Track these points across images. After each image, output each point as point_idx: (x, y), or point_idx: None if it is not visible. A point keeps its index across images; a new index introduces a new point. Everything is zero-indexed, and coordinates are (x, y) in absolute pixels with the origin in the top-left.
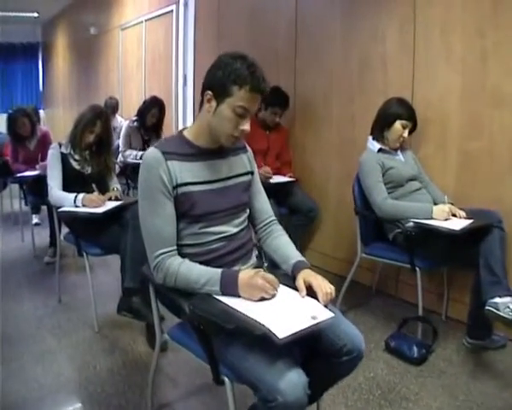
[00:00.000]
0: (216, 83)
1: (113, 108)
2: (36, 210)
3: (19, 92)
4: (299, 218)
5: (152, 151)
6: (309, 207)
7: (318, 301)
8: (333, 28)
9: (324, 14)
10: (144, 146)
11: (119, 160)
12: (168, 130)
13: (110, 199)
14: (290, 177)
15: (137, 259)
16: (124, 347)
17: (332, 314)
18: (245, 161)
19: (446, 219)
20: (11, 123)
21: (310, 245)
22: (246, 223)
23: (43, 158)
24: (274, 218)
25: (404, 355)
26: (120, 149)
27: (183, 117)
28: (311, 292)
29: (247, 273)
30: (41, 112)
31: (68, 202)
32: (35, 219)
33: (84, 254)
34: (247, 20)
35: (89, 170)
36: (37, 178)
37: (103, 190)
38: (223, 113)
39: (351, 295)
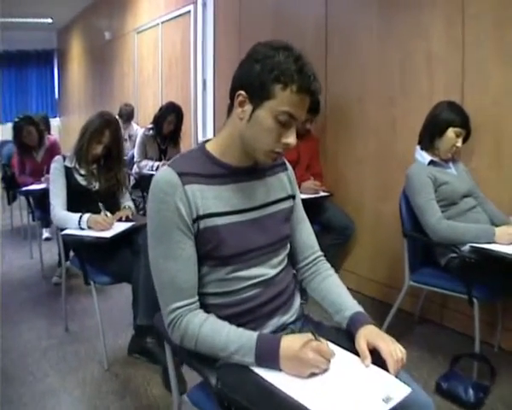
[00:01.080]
0: (252, 80)
1: (128, 115)
2: (46, 223)
3: (34, 100)
4: (333, 236)
5: (165, 173)
6: (344, 224)
7: (388, 371)
8: (368, 23)
9: (358, 9)
10: (161, 156)
11: (133, 171)
12: (186, 139)
13: (120, 219)
14: (324, 191)
15: (152, 292)
16: (136, 388)
17: (409, 390)
18: (285, 181)
19: (511, 244)
20: (16, 132)
21: (343, 265)
22: (286, 261)
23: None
24: (320, 253)
25: (459, 399)
26: (135, 159)
27: (202, 125)
28: (375, 358)
29: (292, 342)
30: (57, 120)
31: (72, 223)
32: (45, 234)
33: (92, 282)
34: (271, 19)
35: (96, 186)
36: (44, 191)
37: (113, 208)
38: (260, 120)
39: (390, 323)
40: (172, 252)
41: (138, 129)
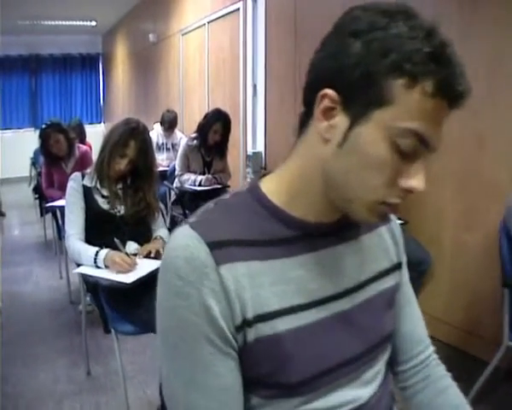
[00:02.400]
0: (348, 71)
1: (170, 122)
2: None
3: (78, 106)
4: None
5: (185, 241)
6: (419, 258)
7: None
8: (447, 18)
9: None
10: (205, 169)
11: (174, 185)
12: (234, 150)
13: (148, 255)
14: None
15: None
16: None
17: None
18: (388, 241)
19: None
20: (43, 141)
21: None
22: (383, 371)
23: None
24: (432, 349)
25: None
26: (176, 172)
27: (252, 135)
28: None
29: None
30: (101, 126)
31: (87, 259)
32: None
33: (113, 331)
34: (334, 16)
35: (121, 210)
36: None
37: (142, 238)
38: (364, 145)
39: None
40: (198, 378)
41: (182, 137)
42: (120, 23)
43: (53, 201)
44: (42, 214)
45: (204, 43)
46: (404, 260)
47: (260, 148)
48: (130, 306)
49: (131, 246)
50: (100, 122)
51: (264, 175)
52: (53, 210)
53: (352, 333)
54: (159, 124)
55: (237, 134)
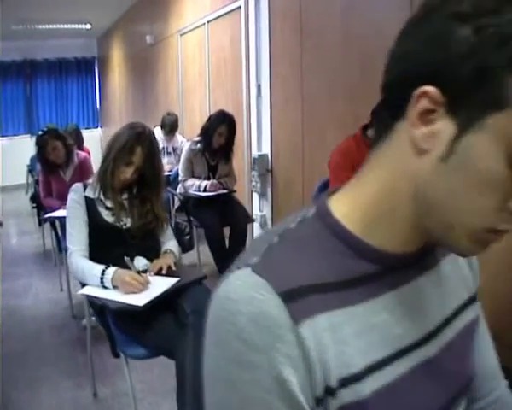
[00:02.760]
0: (458, 63)
1: (171, 125)
2: None
3: (74, 110)
4: None
5: (251, 291)
6: None
7: None
8: None
9: None
10: (209, 174)
11: (178, 191)
12: (238, 153)
13: (160, 272)
14: None
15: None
16: None
17: None
18: (464, 266)
19: None
20: (40, 148)
21: None
22: None
23: None
24: (505, 383)
25: None
26: (180, 177)
27: (257, 137)
28: None
29: None
30: (98, 130)
31: (93, 278)
32: None
33: (122, 354)
34: (341, 11)
35: (128, 223)
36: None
37: (151, 253)
38: (477, 158)
39: None
40: None
41: (184, 141)
42: (116, 25)
43: (52, 211)
44: (40, 224)
45: (204, 43)
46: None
47: (266, 150)
48: (139, 328)
49: (140, 262)
50: (97, 127)
51: (333, 191)
52: (52, 221)
53: (437, 382)
54: (159, 127)
55: (241, 136)
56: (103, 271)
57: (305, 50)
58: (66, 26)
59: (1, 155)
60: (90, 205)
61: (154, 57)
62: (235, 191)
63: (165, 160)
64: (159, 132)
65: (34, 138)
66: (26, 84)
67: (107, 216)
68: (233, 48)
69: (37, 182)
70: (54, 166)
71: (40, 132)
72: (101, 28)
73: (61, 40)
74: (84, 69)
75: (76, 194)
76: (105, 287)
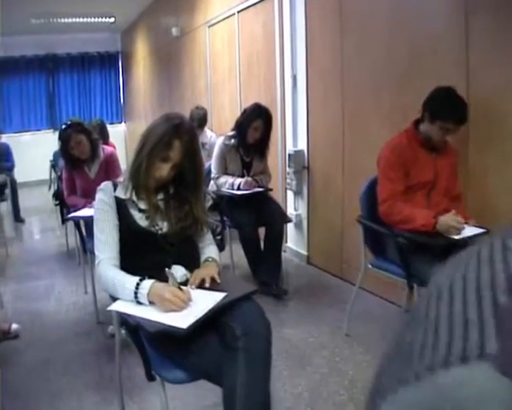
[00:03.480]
0: None
1: (200, 120)
2: None
3: (98, 105)
4: None
5: None
6: None
7: None
8: None
9: None
10: (243, 171)
11: (210, 188)
12: (272, 149)
13: (202, 284)
14: (475, 225)
15: None
16: None
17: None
18: None
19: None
20: (63, 143)
21: None
22: None
23: None
24: None
25: None
26: (213, 174)
27: (292, 132)
28: None
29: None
30: (122, 125)
31: (125, 292)
32: None
33: (158, 377)
34: None
35: (164, 228)
36: None
37: (190, 261)
38: None
39: None
40: None
41: (213, 136)
42: (140, 19)
43: (76, 210)
44: (63, 222)
45: (234, 35)
46: None
47: (302, 145)
48: (179, 349)
49: (178, 271)
50: (120, 122)
51: None
52: (76, 221)
53: None
54: None
55: (275, 131)
56: (138, 284)
57: (345, 38)
58: (88, 20)
59: (23, 151)
60: (121, 207)
61: (180, 50)
62: (271, 189)
63: None
64: None
65: (57, 133)
66: (49, 79)
67: (141, 220)
68: (266, 38)
69: (60, 178)
70: (78, 161)
71: (63, 126)
72: (125, 22)
73: (84, 34)
74: (107, 64)
75: (105, 194)
76: (139, 302)
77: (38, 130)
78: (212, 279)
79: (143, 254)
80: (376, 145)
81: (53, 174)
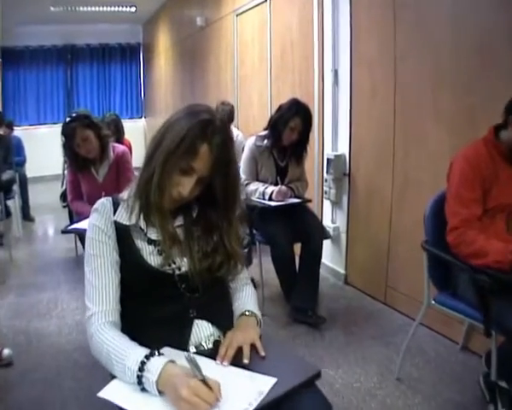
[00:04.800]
0: None
1: (227, 116)
2: None
3: (117, 99)
4: None
5: None
6: None
7: None
8: None
9: None
10: (277, 177)
11: None
12: (309, 153)
13: (237, 357)
14: None
15: None
16: None
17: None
18: None
19: None
20: (66, 139)
21: None
22: None
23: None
24: None
25: None
26: (242, 180)
27: (332, 134)
28: None
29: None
30: (142, 121)
31: (124, 372)
32: None
33: None
34: None
35: (183, 266)
36: None
37: (220, 313)
38: None
39: None
40: None
41: (239, 135)
42: (162, 8)
43: (79, 219)
44: (63, 232)
45: (265, 24)
46: None
47: (343, 149)
48: None
49: (203, 330)
50: (141, 117)
51: None
52: (79, 233)
53: None
54: None
55: (312, 132)
56: (143, 363)
57: (400, 27)
58: (109, 9)
59: (39, 144)
60: (124, 236)
61: (205, 41)
62: (309, 200)
63: None
64: None
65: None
66: (67, 71)
67: (151, 255)
68: (302, 27)
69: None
70: (84, 162)
71: (67, 119)
72: (147, 12)
73: (104, 25)
74: (128, 56)
75: (100, 217)
76: (144, 389)
77: (55, 123)
78: (253, 346)
79: (154, 305)
80: (435, 152)
81: (65, 169)
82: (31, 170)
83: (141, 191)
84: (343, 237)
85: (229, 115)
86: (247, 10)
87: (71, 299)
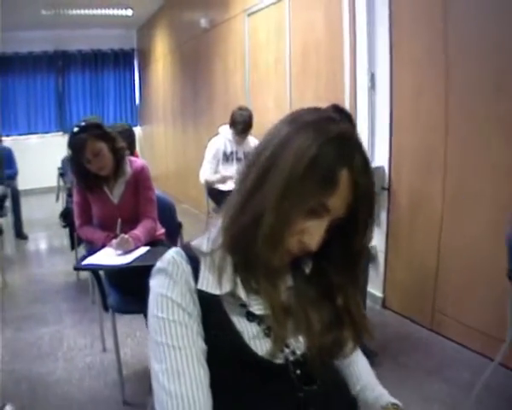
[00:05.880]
0: None
1: (245, 124)
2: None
3: (111, 107)
4: None
5: None
6: None
7: None
8: None
9: None
10: None
11: None
12: None
13: None
14: None
15: None
16: None
17: None
18: None
19: None
20: (74, 152)
21: None
22: None
23: (134, 220)
24: None
25: None
26: None
27: (369, 143)
28: None
29: None
30: (137, 129)
31: None
32: None
33: None
34: None
35: (299, 348)
36: (126, 270)
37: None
38: None
39: None
40: None
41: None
42: (160, 11)
43: (94, 250)
44: (73, 247)
45: (283, 22)
46: None
47: (381, 161)
48: None
49: None
50: (135, 125)
51: None
52: (94, 270)
53: None
54: (227, 126)
55: None
56: None
57: (451, 20)
58: (104, 12)
59: (30, 155)
60: (212, 312)
61: (210, 44)
62: None
63: (233, 168)
64: (226, 132)
65: (67, 136)
66: (58, 78)
67: (256, 338)
68: (329, 24)
69: (69, 194)
70: (95, 180)
71: (75, 129)
72: (143, 15)
73: (97, 30)
74: (121, 62)
75: (173, 285)
76: None
77: (46, 132)
78: None
79: (256, 408)
80: (499, 164)
81: (61, 182)
82: (21, 182)
83: (237, 242)
84: (381, 257)
85: (248, 122)
86: (260, 9)
87: (77, 335)
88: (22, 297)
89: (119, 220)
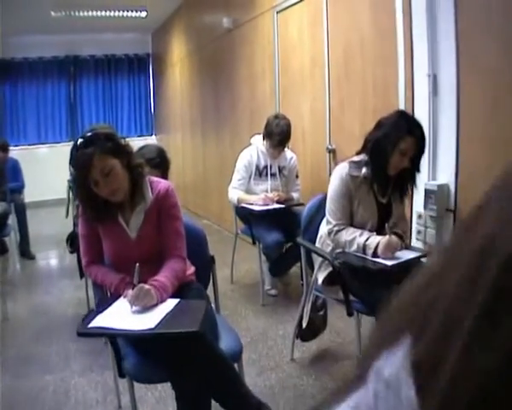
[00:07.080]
0: None
1: (282, 134)
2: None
3: (125, 115)
4: None
5: None
6: None
7: None
8: None
9: None
10: (378, 220)
11: (326, 246)
12: None
13: None
14: None
15: None
16: None
17: None
18: None
19: None
20: (78, 170)
21: None
22: None
23: (156, 260)
24: None
25: None
26: (331, 225)
27: (430, 159)
28: None
29: None
30: (153, 139)
31: None
32: None
33: None
34: None
35: None
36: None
37: None
38: None
39: None
40: None
41: (293, 158)
42: (176, 13)
43: (104, 306)
44: (82, 276)
45: (320, 18)
46: None
47: (446, 178)
48: None
49: None
50: (151, 135)
51: None
52: (107, 335)
53: None
54: (260, 137)
55: None
56: None
57: None
58: (116, 14)
59: (39, 165)
60: None
61: (234, 46)
62: (424, 256)
63: (266, 185)
64: (259, 144)
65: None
66: (69, 84)
67: None
68: (377, 19)
69: (77, 216)
70: (106, 207)
71: (79, 141)
72: (158, 17)
73: (110, 34)
74: (136, 68)
75: None
76: None
77: (57, 142)
78: None
79: None
80: None
81: (71, 195)
82: (30, 194)
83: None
84: None
85: (286, 133)
86: (291, 5)
87: (87, 386)
88: (24, 333)
89: (137, 266)
